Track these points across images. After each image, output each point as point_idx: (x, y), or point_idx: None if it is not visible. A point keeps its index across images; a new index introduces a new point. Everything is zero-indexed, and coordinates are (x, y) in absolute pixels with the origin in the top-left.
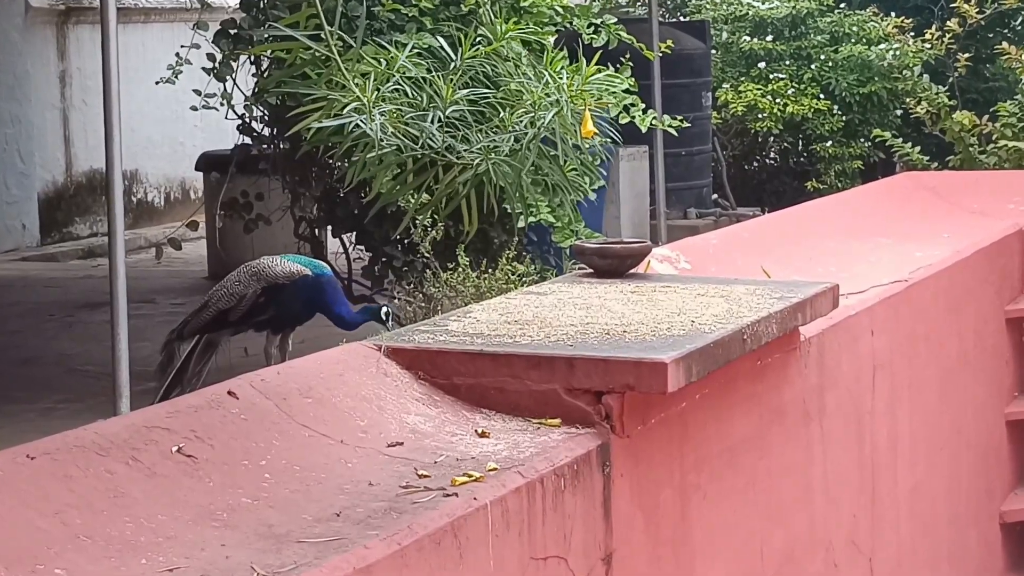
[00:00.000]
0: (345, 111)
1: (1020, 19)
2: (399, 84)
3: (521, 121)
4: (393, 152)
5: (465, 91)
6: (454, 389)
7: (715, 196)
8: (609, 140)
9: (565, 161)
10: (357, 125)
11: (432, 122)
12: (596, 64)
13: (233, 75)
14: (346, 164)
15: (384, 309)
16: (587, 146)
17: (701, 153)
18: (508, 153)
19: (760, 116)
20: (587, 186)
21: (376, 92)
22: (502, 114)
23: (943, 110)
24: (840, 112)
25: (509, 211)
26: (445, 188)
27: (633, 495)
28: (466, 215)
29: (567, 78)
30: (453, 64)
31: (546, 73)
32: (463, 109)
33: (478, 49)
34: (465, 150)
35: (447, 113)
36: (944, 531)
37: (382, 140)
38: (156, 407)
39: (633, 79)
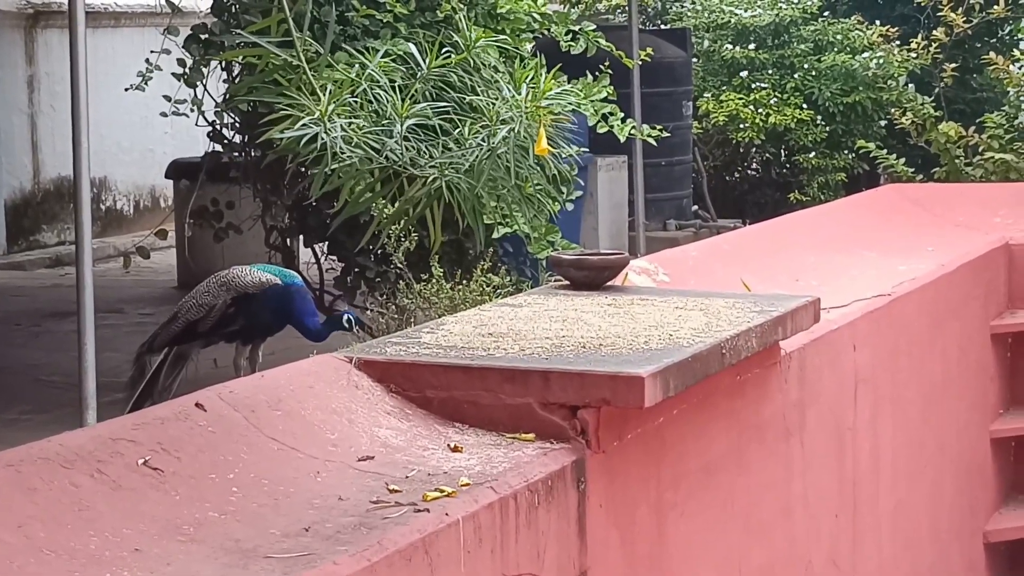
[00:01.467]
0: (304, 123)
1: (1008, 29)
2: (367, 93)
3: (478, 136)
4: (356, 163)
5: (422, 104)
6: (426, 402)
7: (695, 207)
8: (581, 150)
9: (524, 177)
10: (316, 136)
11: (393, 135)
12: (578, 72)
13: (204, 81)
14: (315, 173)
15: (346, 316)
16: (563, 155)
17: (681, 163)
18: (466, 169)
19: (742, 126)
20: (550, 203)
21: (335, 103)
22: (460, 128)
23: (928, 121)
24: (823, 122)
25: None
26: (407, 200)
27: (608, 512)
28: (431, 227)
29: (527, 93)
30: (421, 73)
31: (505, 88)
32: (426, 121)
33: (448, 58)
34: (426, 163)
35: (404, 127)
36: (926, 549)
37: (343, 152)
38: (122, 419)
39: (612, 87)
